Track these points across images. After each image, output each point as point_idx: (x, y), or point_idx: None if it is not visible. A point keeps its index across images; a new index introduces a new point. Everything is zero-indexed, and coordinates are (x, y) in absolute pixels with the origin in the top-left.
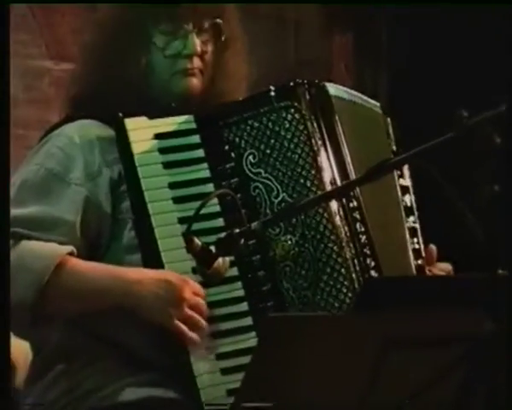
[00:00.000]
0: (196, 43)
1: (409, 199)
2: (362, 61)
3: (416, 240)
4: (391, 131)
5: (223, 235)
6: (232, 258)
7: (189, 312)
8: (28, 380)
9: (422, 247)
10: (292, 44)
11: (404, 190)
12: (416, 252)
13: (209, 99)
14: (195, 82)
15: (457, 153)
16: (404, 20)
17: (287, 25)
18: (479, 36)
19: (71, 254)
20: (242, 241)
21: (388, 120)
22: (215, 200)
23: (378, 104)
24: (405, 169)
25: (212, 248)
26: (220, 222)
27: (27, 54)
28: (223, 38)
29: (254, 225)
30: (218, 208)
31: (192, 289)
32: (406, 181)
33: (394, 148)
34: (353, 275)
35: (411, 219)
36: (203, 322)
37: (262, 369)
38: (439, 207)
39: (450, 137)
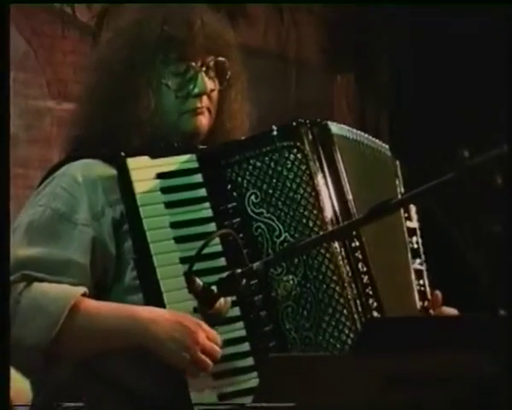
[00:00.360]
0: (206, 81)
1: (415, 241)
2: (363, 100)
3: (421, 282)
4: (399, 173)
5: (224, 275)
6: (234, 298)
7: (202, 356)
8: None
9: (428, 289)
10: (293, 84)
11: (411, 232)
12: (422, 294)
13: (213, 136)
14: (204, 121)
15: (459, 193)
16: (406, 59)
17: (289, 64)
18: (480, 74)
19: (83, 294)
20: (244, 281)
21: (397, 162)
22: (217, 240)
23: (386, 146)
24: (413, 211)
25: (214, 288)
26: (222, 262)
27: (28, 94)
28: (228, 76)
29: (256, 265)
30: (219, 248)
31: (206, 333)
32: (413, 223)
33: (402, 190)
34: (355, 316)
35: (418, 261)
36: (211, 366)
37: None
38: (441, 247)
39: (451, 177)
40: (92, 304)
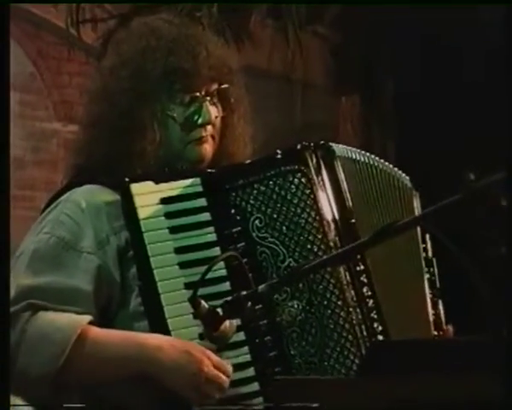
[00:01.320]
0: (210, 111)
1: (432, 272)
2: (368, 123)
3: (437, 312)
4: (418, 204)
5: (229, 298)
6: (239, 322)
7: (206, 385)
8: None
9: (443, 320)
10: (299, 105)
11: (429, 262)
12: (437, 324)
13: (217, 161)
14: (208, 148)
15: (464, 214)
16: (411, 82)
17: (294, 86)
18: (486, 96)
19: (90, 323)
20: (249, 303)
21: (417, 194)
22: (221, 264)
23: (406, 177)
24: (429, 243)
25: (219, 310)
26: (227, 286)
27: (35, 116)
28: (231, 102)
29: (261, 287)
30: (224, 273)
31: (213, 362)
32: (430, 254)
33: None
34: (360, 341)
35: (433, 291)
36: (217, 395)
37: None
38: (446, 268)
39: (457, 199)
40: (98, 332)
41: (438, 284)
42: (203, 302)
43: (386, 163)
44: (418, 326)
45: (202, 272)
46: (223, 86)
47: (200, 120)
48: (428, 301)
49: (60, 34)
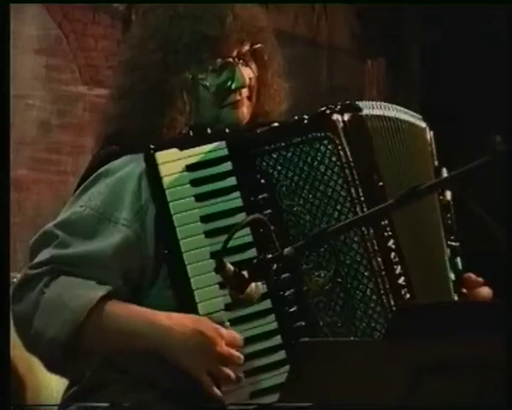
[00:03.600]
0: (244, 75)
1: (449, 217)
2: (394, 86)
3: (455, 259)
4: (433, 145)
5: (255, 260)
6: (265, 288)
7: (220, 367)
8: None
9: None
10: (325, 69)
11: (446, 207)
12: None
13: (253, 119)
14: (245, 110)
15: (491, 178)
16: (436, 44)
17: (320, 50)
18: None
19: (109, 294)
20: (275, 266)
21: (431, 133)
22: (247, 230)
23: (420, 116)
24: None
25: (245, 273)
26: (253, 253)
27: (61, 79)
28: (265, 59)
29: (287, 250)
30: (250, 238)
31: (226, 340)
32: (447, 198)
33: (436, 163)
34: (388, 311)
35: (451, 237)
36: (233, 375)
37: (295, 392)
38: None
39: (483, 161)
40: (114, 304)
41: (455, 230)
42: (229, 265)
43: (406, 110)
44: (438, 279)
45: (228, 235)
46: (254, 46)
47: (233, 85)
48: (446, 249)
49: None
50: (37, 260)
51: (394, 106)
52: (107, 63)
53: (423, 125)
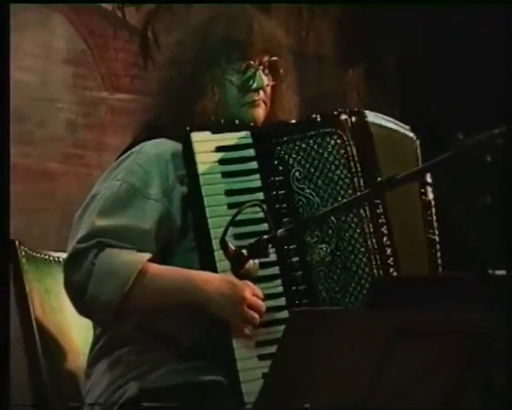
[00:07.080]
0: (263, 77)
1: (429, 213)
2: (373, 94)
3: (433, 251)
4: (419, 152)
5: (253, 241)
6: (274, 259)
7: (248, 310)
8: (88, 364)
9: (439, 260)
10: (313, 78)
11: (427, 205)
12: (433, 262)
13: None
14: (261, 111)
15: (456, 169)
16: (413, 49)
17: (308, 61)
18: (486, 68)
19: (149, 260)
20: (270, 246)
21: (418, 142)
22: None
23: (407, 127)
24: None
25: (244, 251)
26: (265, 226)
27: (86, 86)
28: (280, 73)
29: (280, 231)
30: (262, 215)
31: (252, 290)
32: (428, 197)
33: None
34: None
35: (431, 231)
36: (257, 319)
37: (286, 357)
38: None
39: (448, 155)
40: (156, 268)
41: (435, 226)
42: (230, 245)
43: (398, 122)
44: (417, 262)
45: (243, 213)
46: (273, 58)
47: (254, 85)
48: (425, 239)
49: (107, 16)
50: (83, 232)
51: (392, 119)
52: (126, 72)
53: (411, 134)
